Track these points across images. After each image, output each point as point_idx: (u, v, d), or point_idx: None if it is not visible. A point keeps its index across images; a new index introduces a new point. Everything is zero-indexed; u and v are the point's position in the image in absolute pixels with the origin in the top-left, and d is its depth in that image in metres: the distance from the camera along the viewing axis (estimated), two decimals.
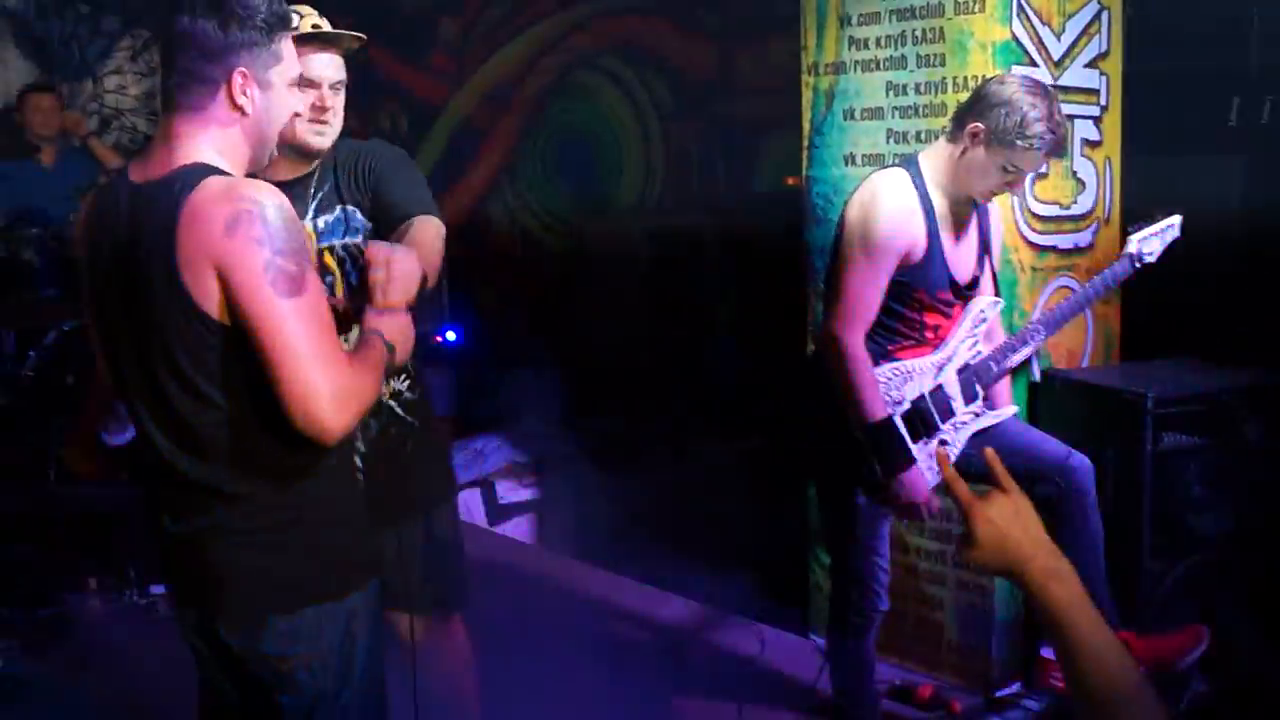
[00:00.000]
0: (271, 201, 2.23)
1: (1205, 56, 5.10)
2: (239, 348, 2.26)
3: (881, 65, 4.55)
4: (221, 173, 2.30)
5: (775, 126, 5.14)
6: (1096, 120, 4.60)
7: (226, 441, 2.35)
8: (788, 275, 5.04)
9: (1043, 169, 3.48)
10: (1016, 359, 3.72)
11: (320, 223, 3.14)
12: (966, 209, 3.60)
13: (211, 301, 2.24)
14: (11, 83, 8.05)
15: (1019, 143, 3.36)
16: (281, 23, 2.39)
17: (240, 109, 2.35)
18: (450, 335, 7.07)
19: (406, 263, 2.55)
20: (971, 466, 3.65)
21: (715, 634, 5.13)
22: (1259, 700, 3.60)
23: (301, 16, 3.01)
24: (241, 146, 2.39)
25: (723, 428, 7.20)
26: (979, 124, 3.41)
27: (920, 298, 3.54)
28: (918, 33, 4.43)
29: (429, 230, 2.97)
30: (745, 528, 6.32)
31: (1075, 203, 4.58)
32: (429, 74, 8.68)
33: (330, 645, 2.46)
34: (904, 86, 4.50)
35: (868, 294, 3.47)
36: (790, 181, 6.10)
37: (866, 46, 4.59)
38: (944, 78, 4.36)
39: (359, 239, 3.14)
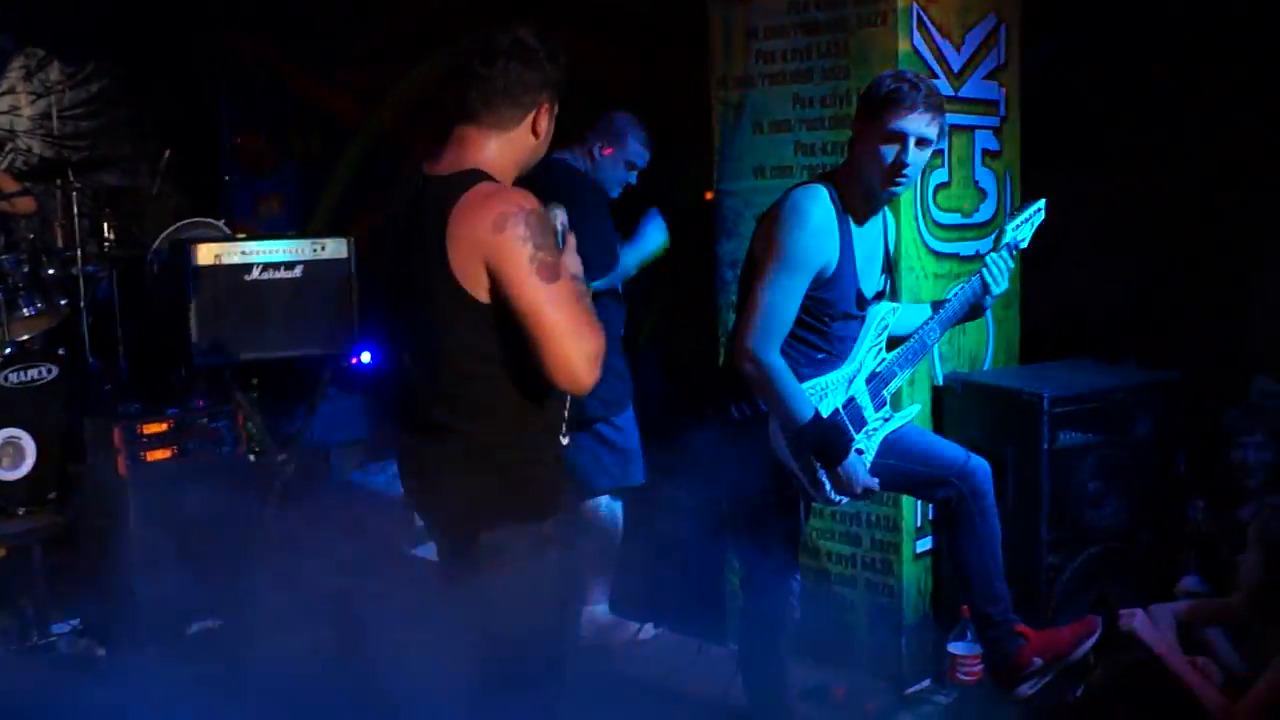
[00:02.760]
0: (531, 205, 2.76)
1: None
2: (499, 322, 2.78)
3: (788, 78, 4.66)
4: (492, 179, 2.82)
5: (694, 140, 5.23)
6: (996, 131, 4.74)
7: (473, 394, 2.88)
8: (706, 289, 5.12)
9: (928, 131, 3.56)
10: (918, 360, 3.83)
11: None
12: (875, 222, 3.72)
13: (479, 286, 2.76)
14: None
15: (890, 103, 3.48)
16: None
17: (537, 134, 2.94)
18: (365, 357, 7.01)
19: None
20: (883, 475, 3.75)
21: (638, 646, 5.17)
22: (1150, 685, 3.74)
23: None
24: (519, 160, 2.95)
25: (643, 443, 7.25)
26: (859, 115, 3.59)
27: (833, 312, 3.63)
28: (823, 46, 4.54)
29: None
30: (661, 541, 6.38)
31: (977, 211, 4.71)
32: (344, 91, 8.69)
33: (530, 558, 2.90)
34: (810, 99, 4.60)
35: (785, 308, 3.53)
36: (709, 196, 6.19)
37: (773, 60, 4.69)
38: (849, 90, 4.46)
39: None
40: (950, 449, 3.86)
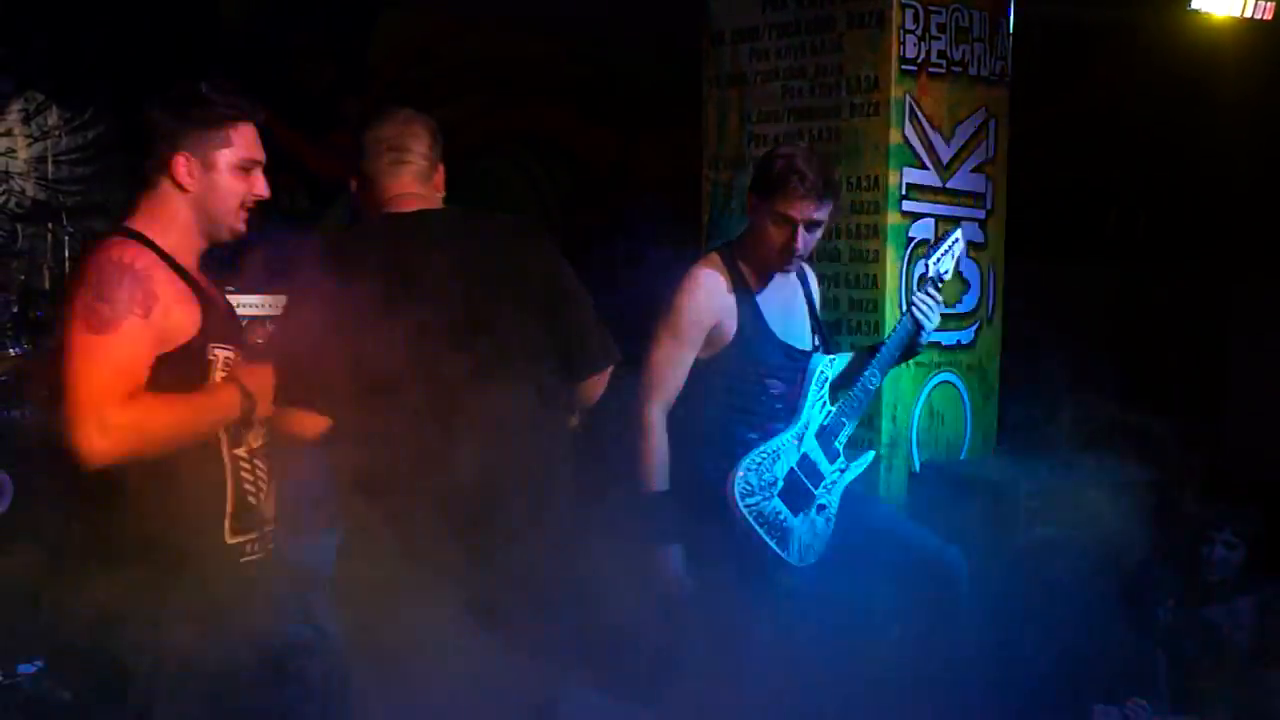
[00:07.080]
0: (115, 257, 2.52)
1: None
2: None
3: None
4: (134, 235, 2.61)
5: (677, 218, 5.30)
6: (981, 224, 4.79)
7: None
8: None
9: (816, 216, 3.61)
10: (864, 408, 3.82)
11: None
12: (785, 282, 3.75)
13: None
14: None
15: (779, 190, 3.53)
16: (234, 112, 2.73)
17: (181, 186, 2.66)
18: None
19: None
20: (858, 557, 3.76)
21: None
22: None
23: None
24: (181, 217, 2.69)
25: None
26: (751, 186, 3.63)
27: (754, 370, 3.67)
28: (815, 132, 4.61)
29: None
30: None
31: (960, 302, 4.75)
32: (330, 151, 8.74)
33: None
34: None
35: (671, 372, 3.62)
36: None
37: (766, 144, 4.74)
38: (840, 176, 4.50)
39: None
40: (928, 537, 3.87)
